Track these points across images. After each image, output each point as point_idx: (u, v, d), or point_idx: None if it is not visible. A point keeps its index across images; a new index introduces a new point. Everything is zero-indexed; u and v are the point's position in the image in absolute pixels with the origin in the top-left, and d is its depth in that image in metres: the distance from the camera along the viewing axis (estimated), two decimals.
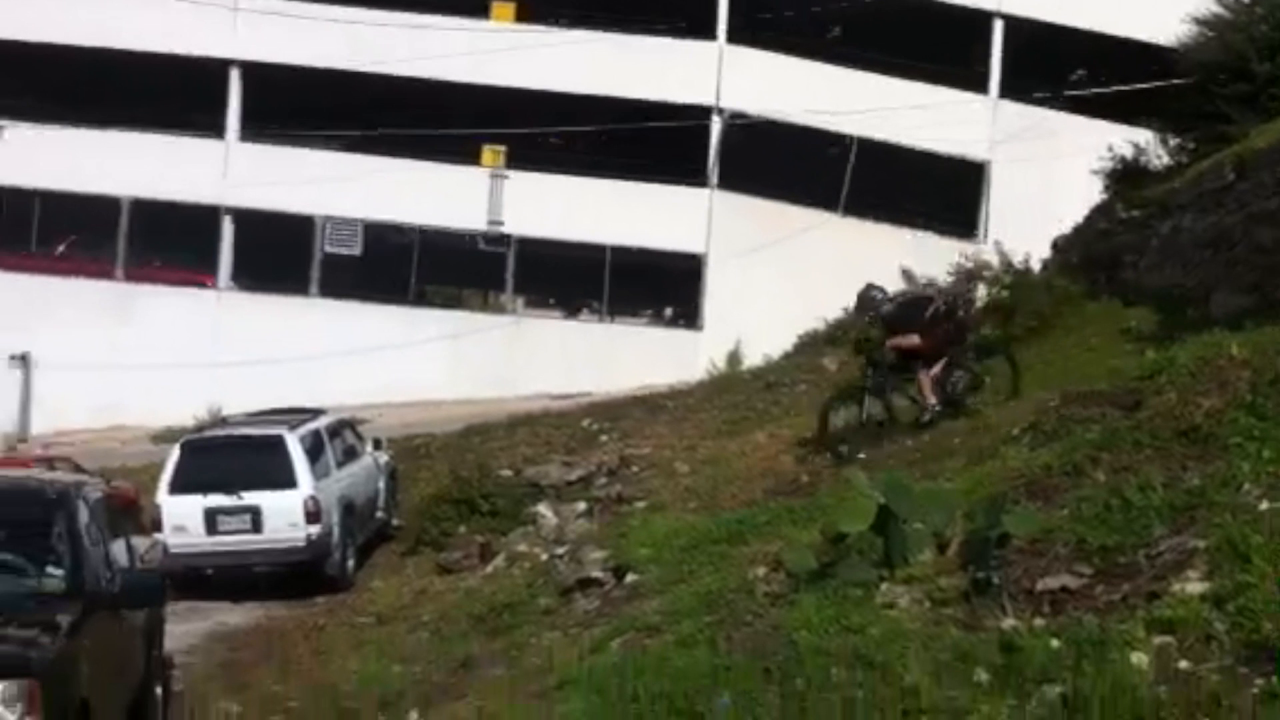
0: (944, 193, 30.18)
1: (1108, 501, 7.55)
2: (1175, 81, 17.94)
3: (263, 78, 30.82)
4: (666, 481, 15.43)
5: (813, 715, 6.40)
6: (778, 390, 19.81)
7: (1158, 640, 5.97)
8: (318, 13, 30.46)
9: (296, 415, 17.81)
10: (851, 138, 30.67)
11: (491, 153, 30.94)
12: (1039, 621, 6.68)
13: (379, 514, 18.39)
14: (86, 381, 28.55)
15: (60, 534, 8.28)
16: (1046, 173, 27.87)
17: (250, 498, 15.87)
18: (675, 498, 14.37)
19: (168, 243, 31.26)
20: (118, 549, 9.36)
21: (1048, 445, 9.33)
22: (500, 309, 32.88)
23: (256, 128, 31.09)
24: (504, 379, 28.48)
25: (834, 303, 22.97)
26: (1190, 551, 6.74)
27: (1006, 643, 6.46)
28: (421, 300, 32.52)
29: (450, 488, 17.17)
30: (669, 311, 33.42)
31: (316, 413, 18.22)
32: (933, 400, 13.52)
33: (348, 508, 16.71)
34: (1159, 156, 18.22)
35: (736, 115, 30.82)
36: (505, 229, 31.10)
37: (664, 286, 32.40)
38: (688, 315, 31.47)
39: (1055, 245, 19.05)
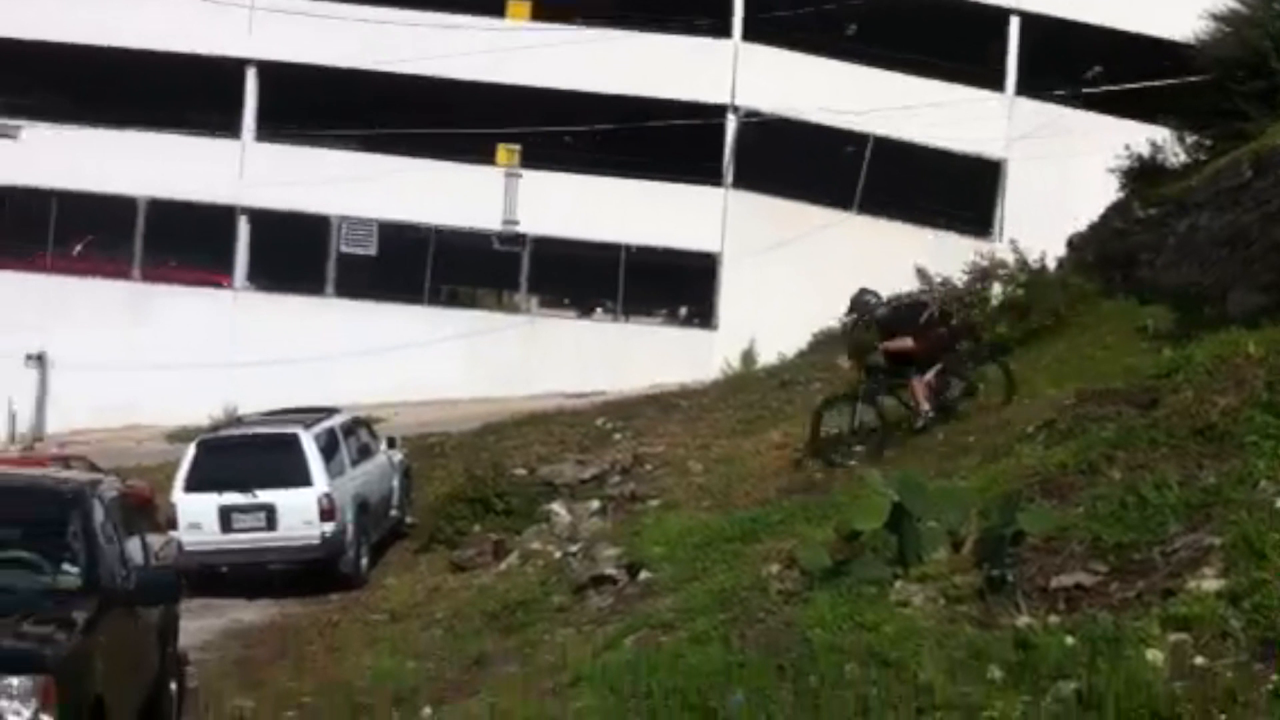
0: (959, 191, 30.11)
1: (1123, 499, 7.53)
2: (1192, 78, 17.84)
3: (279, 77, 30.90)
4: (680, 480, 15.42)
5: (826, 712, 6.38)
6: (792, 389, 19.81)
7: (1173, 637, 5.95)
8: (334, 12, 30.52)
9: (311, 414, 17.86)
10: (867, 136, 30.62)
11: (506, 152, 30.96)
12: (1054, 619, 6.66)
13: (393, 512, 18.43)
14: (102, 381, 28.66)
15: (76, 531, 8.31)
16: (1062, 171, 27.78)
17: (265, 496, 15.92)
18: (689, 496, 14.35)
19: (184, 243, 31.36)
20: (133, 546, 9.40)
21: (1063, 443, 9.30)
22: (515, 308, 32.91)
23: (272, 127, 31.17)
24: (518, 378, 28.50)
25: (848, 302, 22.92)
26: (1206, 549, 6.71)
27: (1021, 640, 6.44)
28: (436, 300, 32.56)
29: (464, 486, 17.20)
30: (683, 310, 33.40)
31: (331, 411, 18.27)
32: (926, 406, 13.42)
33: (362, 506, 16.74)
34: (1176, 154, 18.11)
35: (751, 114, 30.79)
36: (520, 228, 31.12)
37: (679, 285, 32.39)
38: (702, 314, 31.46)
39: (1071, 243, 18.97)
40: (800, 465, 13.88)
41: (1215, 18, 16.92)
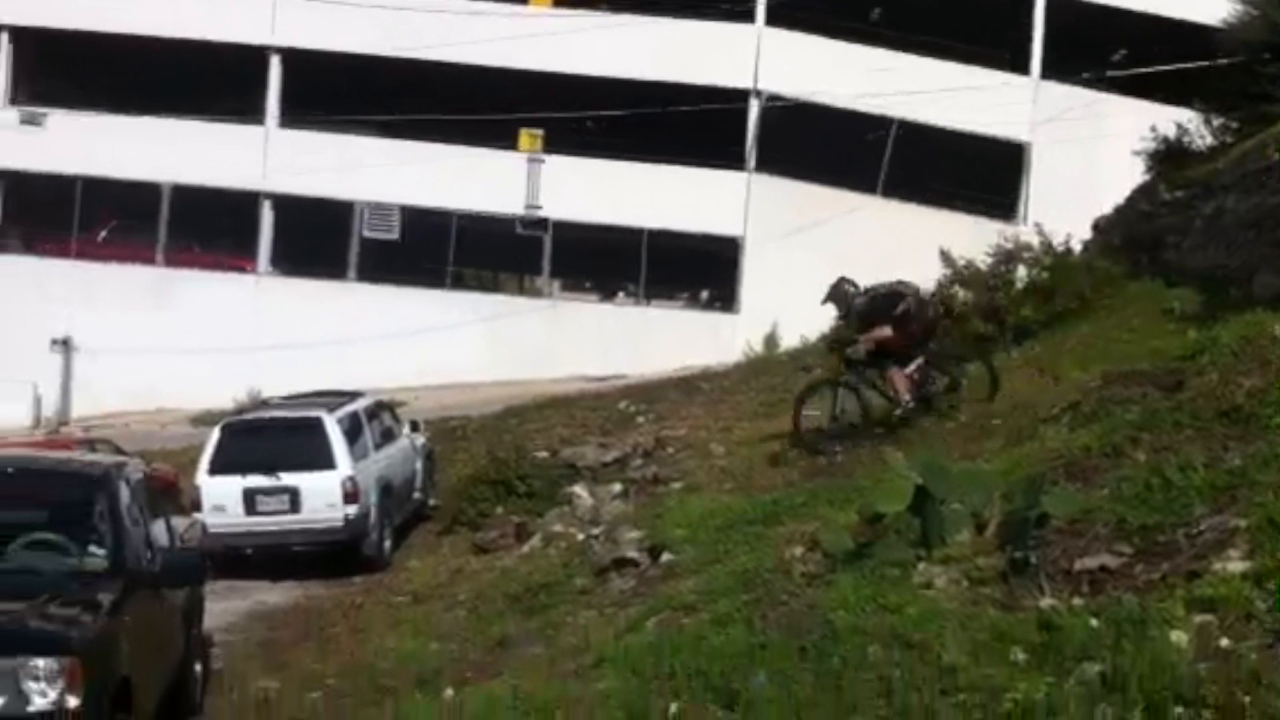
0: (984, 175, 29.95)
1: (1148, 481, 7.49)
2: (1219, 61, 17.71)
3: (302, 64, 30.97)
4: (702, 463, 15.41)
5: (849, 694, 6.37)
6: (814, 372, 19.70)
7: (1198, 619, 5.92)
8: None
9: (335, 398, 17.92)
10: (891, 120, 30.49)
11: (529, 137, 30.96)
12: (1078, 601, 6.63)
13: (416, 494, 18.49)
14: (127, 365, 28.85)
15: (102, 514, 8.36)
16: (1088, 154, 27.63)
17: (289, 478, 15.98)
18: (711, 479, 14.34)
19: (207, 228, 31.51)
20: (158, 529, 9.45)
21: (1088, 426, 9.27)
22: (537, 292, 32.94)
23: (296, 114, 31.25)
24: (540, 362, 28.55)
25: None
26: (1231, 530, 6.67)
27: (1045, 622, 6.42)
28: (459, 284, 32.63)
29: (487, 469, 17.23)
30: (705, 294, 33.38)
31: (355, 395, 18.33)
32: (906, 397, 13.30)
33: (385, 488, 16.80)
34: (1202, 137, 17.98)
35: (775, 98, 30.69)
36: (542, 213, 31.12)
37: (701, 269, 32.37)
38: (724, 298, 31.43)
39: (1096, 226, 18.87)
40: (782, 456, 13.79)
41: (1242, 0, 16.78)
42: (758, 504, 11.41)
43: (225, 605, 13.31)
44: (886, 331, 13.46)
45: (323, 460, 16.04)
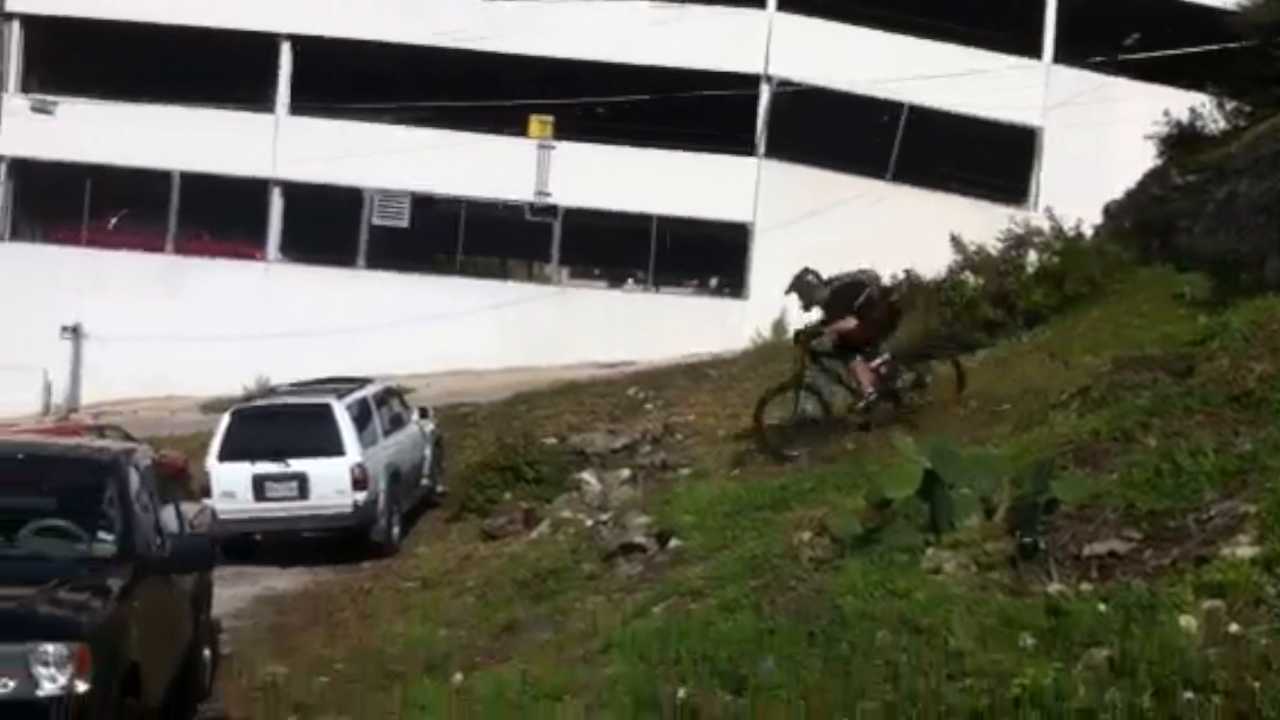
0: (995, 159, 29.85)
1: (1158, 466, 7.47)
2: (1232, 45, 17.61)
3: (312, 51, 30.95)
4: (710, 449, 15.40)
5: (857, 679, 6.36)
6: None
7: (1207, 604, 5.89)
8: None
9: (344, 384, 17.95)
10: (901, 105, 30.38)
11: (539, 123, 30.91)
12: (1086, 586, 6.61)
13: (424, 481, 18.51)
14: (137, 353, 28.91)
15: (111, 500, 8.35)
16: (1100, 138, 27.50)
17: (298, 465, 16.01)
18: (719, 465, 14.32)
19: (217, 216, 31.54)
20: (167, 515, 9.45)
21: (1097, 411, 9.25)
22: (546, 279, 32.92)
23: (306, 101, 31.23)
24: (550, 348, 28.55)
25: (882, 271, 22.75)
26: (1241, 516, 6.65)
27: (1053, 607, 6.40)
28: (468, 271, 32.62)
29: (495, 455, 17.24)
30: (715, 281, 33.31)
31: (364, 382, 18.35)
32: (869, 390, 13.18)
33: (394, 475, 16.82)
34: (1215, 121, 17.92)
35: (785, 83, 30.60)
36: (552, 199, 31.08)
37: (710, 256, 32.32)
38: (733, 284, 31.38)
39: (1108, 211, 18.80)
40: (747, 458, 13.70)
41: None
42: (766, 490, 11.39)
43: (234, 591, 13.34)
44: (850, 324, 13.32)
45: (332, 447, 16.07)
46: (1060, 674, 5.73)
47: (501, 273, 35.00)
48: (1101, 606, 6.26)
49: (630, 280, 33.30)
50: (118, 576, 7.73)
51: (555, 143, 30.89)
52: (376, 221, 31.54)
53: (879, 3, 30.57)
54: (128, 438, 15.88)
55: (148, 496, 8.88)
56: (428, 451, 18.74)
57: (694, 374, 22.02)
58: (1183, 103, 18.92)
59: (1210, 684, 5.40)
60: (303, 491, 16.00)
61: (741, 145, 30.64)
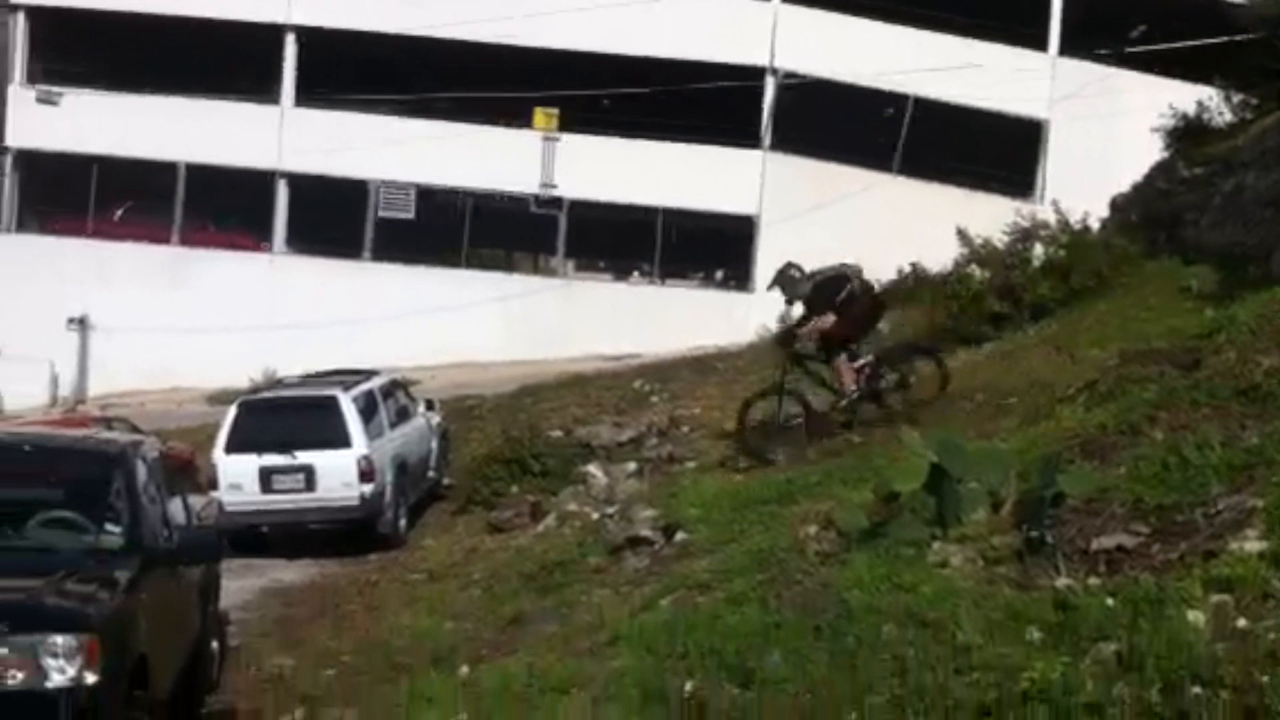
0: (1001, 152, 29.82)
1: (1165, 460, 7.45)
2: (1239, 37, 17.58)
3: (317, 43, 30.95)
4: (717, 442, 15.39)
5: (863, 673, 6.36)
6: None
7: (1215, 598, 5.88)
8: None
9: (350, 376, 17.96)
10: (907, 97, 30.34)
11: (544, 115, 30.90)
12: (1094, 580, 6.60)
13: (431, 473, 18.53)
14: (143, 344, 28.96)
15: (119, 492, 8.35)
16: (1106, 131, 27.47)
17: (305, 457, 16.02)
18: (725, 458, 14.32)
19: (223, 208, 31.58)
20: (175, 507, 9.46)
21: (1104, 405, 9.22)
22: (551, 272, 32.93)
23: (311, 93, 31.24)
24: (555, 341, 28.57)
25: (888, 264, 22.74)
26: (1249, 510, 6.63)
27: (1060, 601, 6.39)
28: (473, 263, 32.63)
29: (501, 448, 17.24)
30: (720, 273, 33.30)
31: (370, 374, 18.36)
32: (852, 388, 13.08)
33: (400, 467, 16.83)
34: (1222, 113, 17.89)
35: (791, 75, 30.56)
36: (557, 192, 31.07)
37: (715, 248, 32.31)
38: (739, 277, 31.37)
39: (1114, 204, 18.78)
40: (730, 461, 13.68)
41: None
42: (772, 483, 11.39)
43: (241, 583, 13.35)
44: (829, 320, 13.19)
45: (338, 439, 16.08)
46: (1068, 668, 5.72)
47: (507, 265, 35.00)
48: (1109, 601, 6.25)
49: (635, 273, 33.30)
50: (125, 568, 7.74)
51: (560, 135, 30.89)
52: (382, 213, 31.57)
53: None
54: (135, 429, 15.90)
55: (155, 488, 8.89)
56: (434, 444, 18.76)
57: (700, 367, 22.01)
58: (1189, 95, 18.89)
59: (1218, 679, 5.39)
60: (309, 484, 16.01)
61: (747, 137, 30.62)
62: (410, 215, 31.48)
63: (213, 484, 15.81)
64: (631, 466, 15.53)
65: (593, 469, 15.66)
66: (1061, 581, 6.67)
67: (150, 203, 31.92)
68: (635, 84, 29.80)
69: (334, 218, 31.29)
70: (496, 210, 31.84)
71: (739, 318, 28.05)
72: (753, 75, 30.52)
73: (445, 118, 30.34)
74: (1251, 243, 13.79)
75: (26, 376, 28.46)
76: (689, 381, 20.82)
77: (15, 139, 31.83)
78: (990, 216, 18.45)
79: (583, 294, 31.23)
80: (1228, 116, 17.70)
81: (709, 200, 30.26)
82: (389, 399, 17.78)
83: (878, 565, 7.57)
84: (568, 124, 30.85)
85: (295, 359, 24.02)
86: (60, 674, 6.73)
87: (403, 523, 16.73)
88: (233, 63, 29.53)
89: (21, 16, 31.95)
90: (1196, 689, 5.36)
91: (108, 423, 18.58)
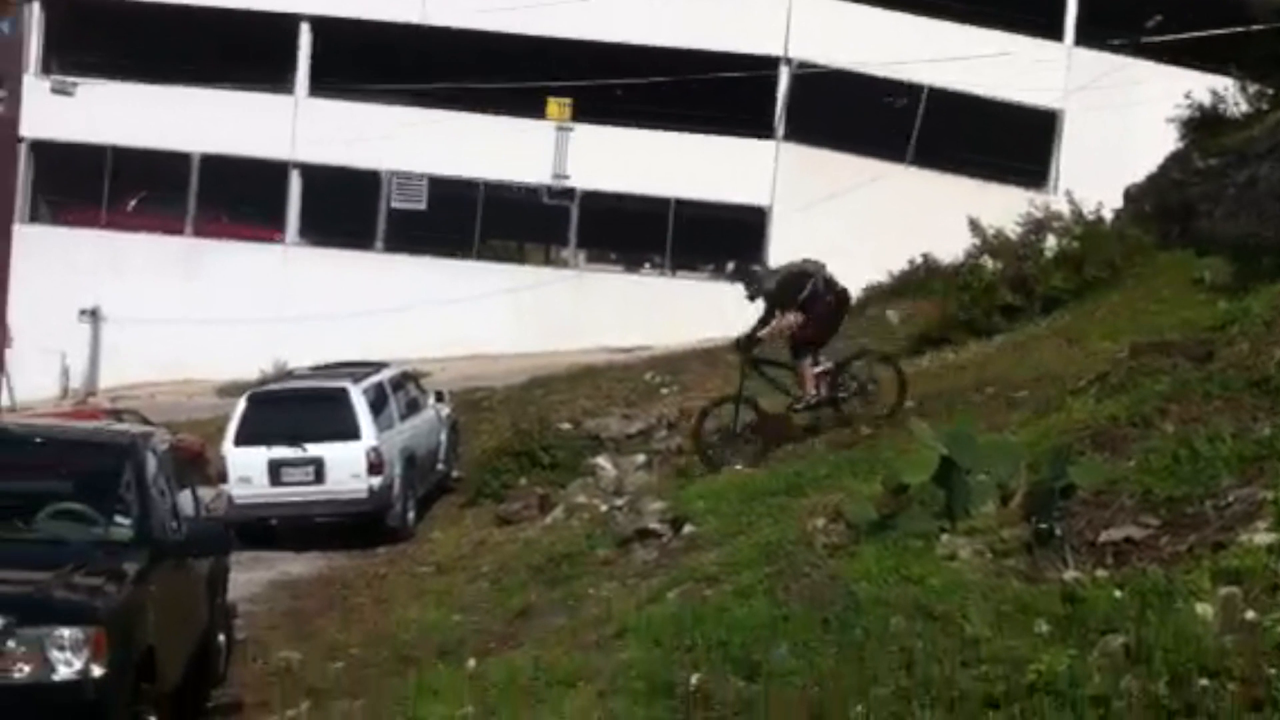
0: (1015, 142, 29.69)
1: (1176, 452, 7.41)
2: (1255, 27, 17.47)
3: (332, 32, 30.93)
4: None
5: (871, 666, 6.34)
6: (843, 341, 19.57)
7: (1224, 591, 5.84)
8: None
9: (360, 368, 17.97)
10: (921, 87, 30.22)
11: (557, 105, 30.85)
12: (1102, 573, 6.57)
13: (440, 466, 18.53)
14: (154, 336, 29.02)
15: (128, 484, 8.38)
16: (1121, 122, 27.34)
17: (314, 449, 16.04)
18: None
19: (236, 198, 31.61)
20: (184, 499, 9.48)
21: (1115, 396, 9.19)
22: (563, 263, 32.91)
23: (325, 83, 31.23)
24: (566, 333, 28.55)
25: (900, 255, 22.71)
26: (1259, 502, 6.59)
27: (1069, 594, 6.36)
28: (485, 255, 32.63)
29: (510, 440, 17.25)
30: (731, 265, 33.23)
31: (380, 366, 18.37)
32: (812, 393, 12.94)
33: (409, 459, 16.84)
34: (1237, 104, 17.79)
35: (805, 65, 30.46)
36: (569, 182, 31.04)
37: (727, 239, 32.23)
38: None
39: (1128, 195, 18.71)
40: (687, 470, 13.64)
41: None
42: (780, 475, 11.36)
43: (250, 575, 13.37)
44: (791, 320, 13.06)
45: (348, 431, 16.09)
46: (1076, 660, 5.69)
47: (518, 256, 35.00)
48: (1117, 593, 6.22)
49: (647, 264, 33.26)
50: (134, 561, 7.76)
51: (573, 125, 30.84)
52: (394, 204, 31.57)
53: None
54: (145, 422, 15.94)
55: (164, 481, 8.92)
56: (443, 436, 18.76)
57: (710, 359, 21.96)
58: (1205, 85, 18.77)
59: (1226, 671, 5.35)
60: (318, 476, 16.03)
61: (760, 128, 30.54)
62: (422, 206, 31.48)
63: (222, 476, 15.85)
64: (641, 459, 15.52)
65: (602, 461, 15.65)
66: (1070, 574, 6.63)
67: (164, 193, 31.98)
68: (649, 74, 29.72)
69: (346, 208, 31.32)
70: (508, 201, 31.82)
71: (750, 310, 28.00)
72: (766, 65, 30.43)
73: (458, 108, 30.31)
74: (1266, 234, 13.74)
75: (38, 368, 28.53)
76: (699, 374, 20.79)
77: (30, 129, 31.78)
78: (1003, 207, 18.39)
79: (594, 285, 31.20)
80: (1243, 107, 17.61)
81: (721, 191, 30.20)
82: (399, 391, 17.79)
83: (886, 558, 7.54)
84: (580, 114, 30.79)
85: (306, 350, 24.05)
86: (67, 666, 6.76)
87: (411, 515, 16.75)
88: (247, 52, 29.54)
89: (37, 6, 31.97)
90: (1204, 681, 5.33)
91: (118, 415, 18.65)
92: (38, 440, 9.47)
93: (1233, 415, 7.66)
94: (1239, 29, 19.95)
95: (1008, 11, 29.11)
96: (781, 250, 30.10)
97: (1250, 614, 5.67)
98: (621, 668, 7.36)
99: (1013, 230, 17.01)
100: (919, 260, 21.75)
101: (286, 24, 31.26)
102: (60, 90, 31.32)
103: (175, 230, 31.87)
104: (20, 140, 31.85)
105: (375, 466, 15.95)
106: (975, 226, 17.33)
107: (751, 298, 13.72)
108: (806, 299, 13.16)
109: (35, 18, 32.00)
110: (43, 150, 32.00)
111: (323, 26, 31.22)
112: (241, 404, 16.82)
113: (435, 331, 28.15)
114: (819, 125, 29.68)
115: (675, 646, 7.41)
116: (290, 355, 25.44)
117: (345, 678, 9.58)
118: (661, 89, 29.57)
